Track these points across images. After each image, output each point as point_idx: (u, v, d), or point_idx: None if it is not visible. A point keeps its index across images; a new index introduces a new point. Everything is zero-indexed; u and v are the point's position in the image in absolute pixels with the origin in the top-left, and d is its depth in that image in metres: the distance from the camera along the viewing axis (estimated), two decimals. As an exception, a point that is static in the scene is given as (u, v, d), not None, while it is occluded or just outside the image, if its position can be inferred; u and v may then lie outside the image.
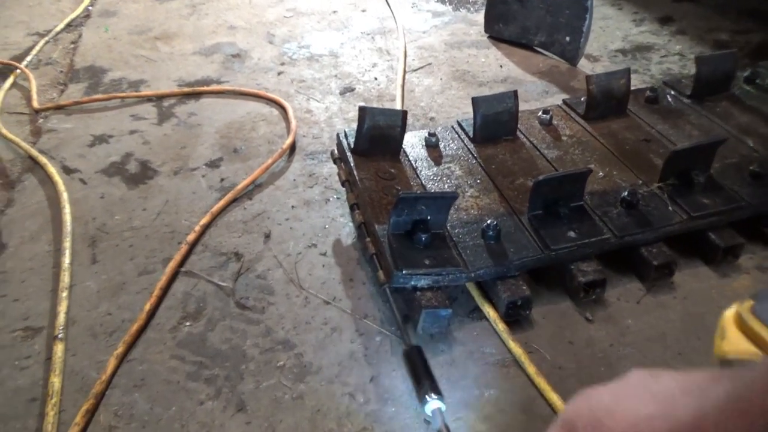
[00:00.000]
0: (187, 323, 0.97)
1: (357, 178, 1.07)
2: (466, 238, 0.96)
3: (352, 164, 1.11)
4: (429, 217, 0.93)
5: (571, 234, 0.95)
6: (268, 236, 1.14)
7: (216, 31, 2.08)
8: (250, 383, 0.87)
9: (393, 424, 0.81)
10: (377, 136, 1.13)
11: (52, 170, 1.35)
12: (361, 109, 1.11)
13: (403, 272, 0.88)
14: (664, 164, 1.02)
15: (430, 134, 1.19)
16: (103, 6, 2.40)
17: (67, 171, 1.38)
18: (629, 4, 2.01)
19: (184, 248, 1.10)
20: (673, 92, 1.31)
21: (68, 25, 2.28)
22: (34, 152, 1.43)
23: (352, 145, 1.14)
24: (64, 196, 1.26)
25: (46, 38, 2.15)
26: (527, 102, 1.52)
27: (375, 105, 1.54)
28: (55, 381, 0.88)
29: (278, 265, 1.08)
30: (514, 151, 1.17)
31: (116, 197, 1.28)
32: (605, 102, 1.23)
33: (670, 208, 1.00)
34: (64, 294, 1.03)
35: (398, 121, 1.12)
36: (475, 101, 1.16)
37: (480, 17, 1.92)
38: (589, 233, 0.95)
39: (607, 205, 1.02)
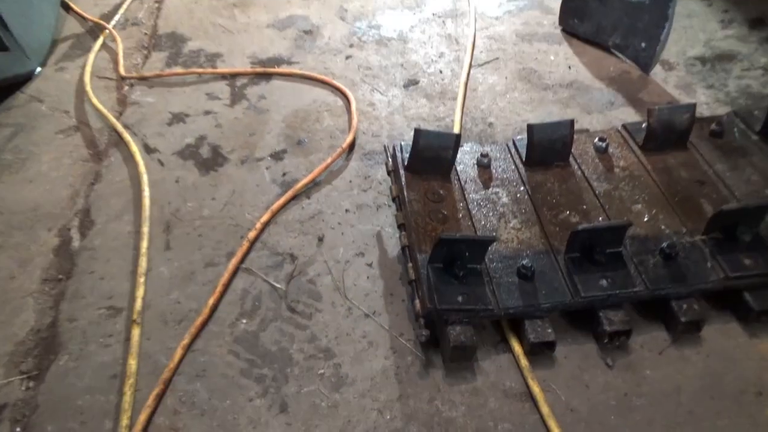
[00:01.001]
0: (244, 320, 1.10)
1: (407, 198, 1.14)
2: (502, 274, 1.02)
3: (403, 182, 1.17)
4: (467, 254, 0.99)
5: (604, 282, 0.99)
6: (321, 240, 1.24)
7: (291, 1, 2.11)
8: (293, 386, 1.00)
9: (413, 442, 0.92)
10: (430, 157, 1.18)
11: (135, 149, 1.49)
12: (416, 131, 1.16)
13: (438, 308, 0.96)
14: (710, 218, 1.03)
15: (482, 155, 1.22)
16: (186, -37, 2.45)
17: (147, 150, 1.51)
18: (721, 1, 1.89)
19: (245, 245, 1.22)
20: (741, 126, 1.27)
21: (153, -20, 2.36)
22: (120, 128, 1.57)
23: (405, 162, 1.20)
24: (144, 178, 1.40)
25: (132, -4, 2.25)
26: (590, 114, 1.50)
27: (436, 102, 1.57)
28: (132, 363, 1.03)
29: (328, 271, 1.18)
30: (564, 179, 1.20)
31: (189, 182, 1.41)
32: (665, 135, 1.22)
33: (709, 264, 1.02)
34: (142, 279, 1.17)
35: (451, 144, 1.17)
36: (530, 128, 1.18)
37: (556, 4, 1.86)
38: (622, 284, 0.99)
39: (646, 252, 1.04)
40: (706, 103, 1.50)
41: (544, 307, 0.98)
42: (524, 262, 1.01)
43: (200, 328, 1.09)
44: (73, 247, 1.29)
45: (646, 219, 1.10)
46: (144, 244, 1.25)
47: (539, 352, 0.99)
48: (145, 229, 1.27)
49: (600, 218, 1.11)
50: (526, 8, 1.96)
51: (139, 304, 1.13)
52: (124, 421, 0.95)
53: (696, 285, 1.00)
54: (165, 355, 1.05)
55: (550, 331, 0.97)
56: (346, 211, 1.30)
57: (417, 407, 0.96)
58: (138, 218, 1.32)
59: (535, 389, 0.95)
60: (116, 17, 2.13)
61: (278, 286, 1.15)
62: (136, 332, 1.08)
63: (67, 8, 2.21)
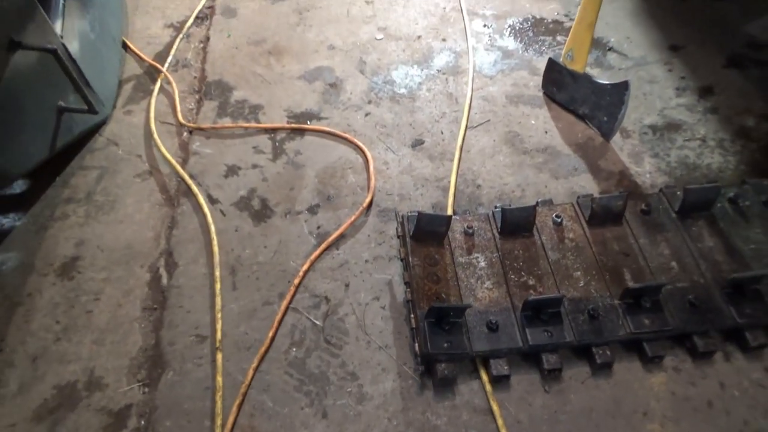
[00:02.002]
0: (294, 349, 1.56)
1: (411, 263, 1.58)
2: (475, 326, 1.47)
3: (408, 248, 1.61)
4: (451, 314, 1.44)
5: (546, 335, 1.44)
6: (347, 285, 1.69)
7: (318, 50, 2.49)
8: (330, 400, 1.47)
9: (411, 441, 1.39)
10: (429, 231, 1.61)
11: (201, 201, 1.92)
12: (419, 216, 1.58)
13: (430, 352, 1.41)
14: (624, 290, 1.46)
15: (468, 226, 1.65)
16: (226, 1, 2.82)
17: (211, 200, 1.94)
18: (681, 66, 2.25)
19: (292, 289, 1.67)
20: (665, 204, 1.68)
21: (197, 17, 2.74)
22: (188, 179, 2.00)
23: (411, 232, 1.63)
24: (212, 228, 1.84)
25: (180, 35, 2.63)
26: (557, 179, 1.91)
27: (437, 162, 1.98)
28: (219, 379, 1.50)
29: (353, 311, 1.63)
30: (527, 248, 1.62)
31: (246, 232, 1.85)
32: (604, 215, 1.63)
33: (620, 322, 1.46)
34: (219, 315, 1.63)
35: (444, 224, 1.60)
36: (503, 212, 1.61)
37: (542, 65, 2.23)
38: (559, 336, 1.44)
39: (578, 311, 1.48)
40: (650, 172, 1.90)
41: (503, 351, 1.43)
42: (491, 318, 1.45)
43: (263, 355, 1.55)
44: (163, 284, 1.74)
45: (581, 284, 1.54)
46: (217, 285, 1.70)
47: (499, 381, 1.44)
48: (217, 273, 1.73)
49: (550, 282, 1.54)
50: (517, 68, 2.33)
51: (219, 334, 1.59)
52: (218, 421, 1.43)
53: (610, 337, 1.44)
54: (241, 373, 1.52)
55: (507, 367, 1.43)
56: (366, 261, 1.74)
57: (414, 417, 1.43)
58: (210, 262, 1.77)
59: (495, 407, 1.41)
60: (168, 59, 2.52)
61: (317, 323, 1.61)
62: (219, 356, 1.55)
63: (124, 46, 2.61)
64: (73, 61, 1.99)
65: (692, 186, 1.62)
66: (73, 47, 2.02)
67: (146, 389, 1.53)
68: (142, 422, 1.47)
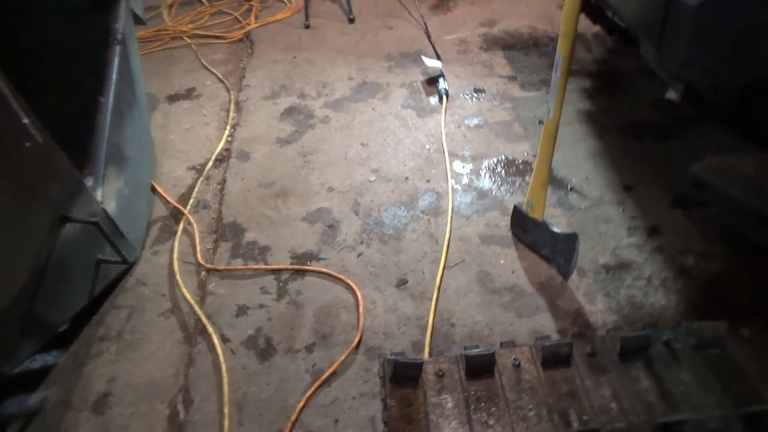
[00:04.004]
0: (290, 482, 1.83)
1: (388, 404, 1.86)
2: (442, 464, 1.73)
3: (387, 390, 1.89)
4: (420, 454, 1.70)
5: (501, 473, 1.69)
6: (336, 421, 1.96)
7: (318, 192, 2.88)
8: None
9: None
10: (404, 375, 1.90)
11: (215, 341, 2.24)
12: (396, 364, 1.88)
13: (401, 490, 1.67)
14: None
15: (438, 369, 1.94)
16: (241, 144, 3.26)
17: (223, 339, 2.26)
18: (632, 206, 2.58)
19: (289, 426, 1.95)
20: (609, 347, 1.96)
21: (216, 159, 3.17)
22: (204, 318, 2.33)
23: (389, 375, 1.92)
24: (223, 367, 2.15)
25: (201, 178, 3.05)
26: (520, 318, 2.21)
27: (418, 302, 2.29)
28: None
29: (341, 446, 1.90)
30: (489, 388, 1.90)
31: (252, 370, 2.15)
32: (553, 359, 1.91)
33: (565, 460, 1.71)
34: (227, 451, 1.92)
35: (418, 369, 1.89)
36: (467, 358, 1.89)
37: (512, 203, 2.56)
38: (511, 473, 1.69)
39: (530, 450, 1.74)
40: (601, 310, 2.19)
41: (465, 488, 1.69)
42: (455, 457, 1.72)
43: (264, 488, 1.82)
44: (180, 419, 2.04)
45: (534, 424, 1.80)
46: (226, 421, 1.99)
47: None
48: (226, 410, 2.02)
49: (507, 422, 1.80)
50: (490, 208, 2.68)
51: (226, 468, 1.87)
52: None
53: (556, 475, 1.69)
54: (244, 506, 1.79)
55: (467, 503, 1.67)
56: (353, 398, 2.03)
57: None
58: (221, 399, 2.06)
59: None
60: (190, 201, 2.92)
61: (310, 457, 1.88)
62: (226, 490, 1.82)
63: (153, 189, 3.03)
64: (111, 220, 2.38)
65: (628, 334, 1.90)
66: (111, 207, 2.42)
67: None
68: None
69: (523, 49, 3.85)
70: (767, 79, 1.76)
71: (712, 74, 1.77)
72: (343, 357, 2.12)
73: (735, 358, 1.87)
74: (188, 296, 2.42)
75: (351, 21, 4.37)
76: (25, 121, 1.81)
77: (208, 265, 2.55)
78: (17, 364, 2.04)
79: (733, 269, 2.26)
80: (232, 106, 3.60)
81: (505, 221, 2.59)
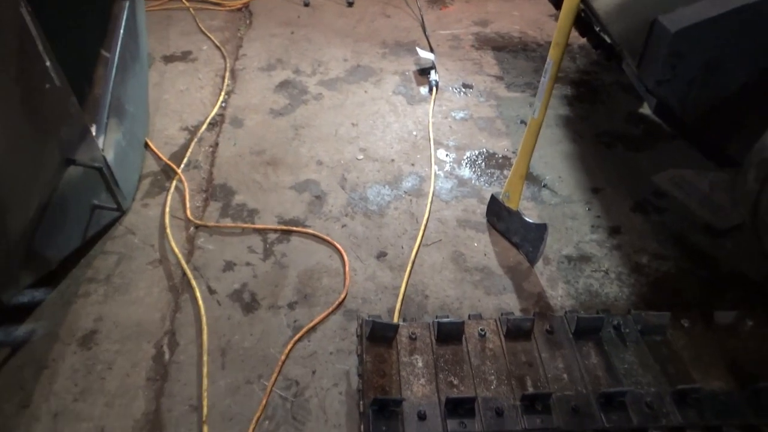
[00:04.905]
0: (266, 422, 1.98)
1: (364, 359, 2.03)
2: (409, 415, 1.91)
3: (364, 347, 2.06)
4: (390, 404, 1.88)
5: (461, 426, 1.88)
6: (314, 372, 2.13)
7: (308, 164, 3.02)
8: (292, 466, 1.88)
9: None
10: (380, 335, 2.07)
11: (198, 295, 2.36)
12: (373, 323, 2.05)
13: (371, 433, 1.85)
14: (522, 395, 1.93)
15: (411, 333, 2.12)
16: (234, 111, 3.37)
17: (210, 291, 2.39)
18: (598, 206, 2.81)
19: (273, 377, 2.10)
20: (566, 326, 2.18)
21: (209, 123, 3.27)
22: (190, 273, 2.45)
23: (367, 334, 2.09)
24: (204, 319, 2.27)
25: (194, 139, 3.15)
26: (488, 296, 2.41)
27: (395, 273, 2.46)
28: (206, 443, 1.91)
29: (316, 395, 2.06)
30: (456, 353, 2.09)
31: (236, 320, 2.29)
32: (516, 332, 2.12)
33: (518, 419, 1.91)
34: (205, 394, 2.05)
35: (393, 330, 2.07)
36: (439, 324, 2.08)
37: (490, 193, 2.75)
38: (470, 427, 1.88)
39: (488, 409, 1.93)
40: (561, 296, 2.41)
41: (427, 436, 1.88)
42: (421, 409, 1.90)
43: (247, 427, 1.97)
44: (165, 359, 2.17)
45: (493, 387, 2.00)
46: (204, 369, 2.12)
47: (423, 460, 1.88)
48: (205, 358, 2.15)
49: (470, 383, 2.00)
50: (468, 195, 2.87)
51: (205, 410, 2.00)
52: (203, 477, 1.83)
53: (509, 430, 1.89)
54: (223, 440, 1.93)
55: (429, 450, 1.87)
56: (330, 353, 2.19)
57: (355, 484, 1.85)
58: (201, 346, 2.20)
59: (417, 480, 1.84)
60: (184, 160, 3.02)
61: (289, 401, 2.04)
62: (205, 428, 1.96)
63: (146, 145, 3.11)
64: (109, 168, 2.48)
65: (583, 315, 2.12)
66: (110, 156, 2.51)
67: (145, 447, 1.93)
68: (141, 474, 1.87)
69: (513, 52, 4.06)
70: (725, 103, 1.99)
71: (682, 93, 1.98)
72: (325, 313, 2.28)
73: (674, 344, 2.12)
74: (177, 250, 2.53)
75: (350, 4, 4.49)
76: (48, 63, 1.90)
77: (198, 221, 2.66)
78: (16, 293, 2.12)
79: (680, 270, 2.52)
80: (228, 74, 3.70)
81: (482, 208, 2.78)
